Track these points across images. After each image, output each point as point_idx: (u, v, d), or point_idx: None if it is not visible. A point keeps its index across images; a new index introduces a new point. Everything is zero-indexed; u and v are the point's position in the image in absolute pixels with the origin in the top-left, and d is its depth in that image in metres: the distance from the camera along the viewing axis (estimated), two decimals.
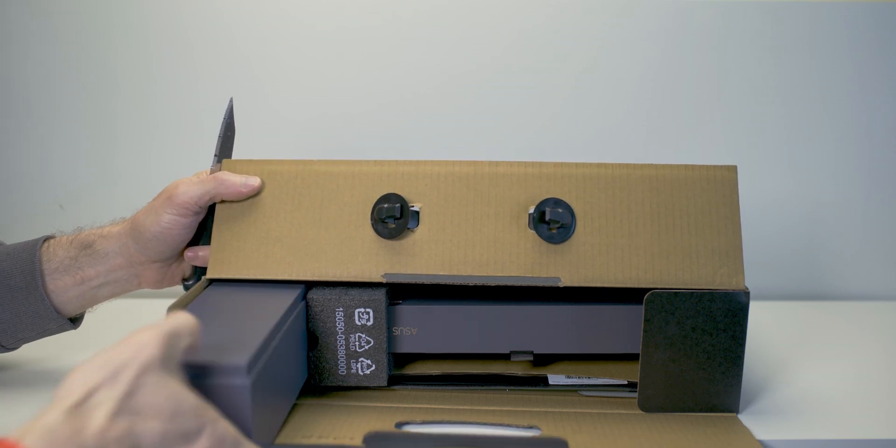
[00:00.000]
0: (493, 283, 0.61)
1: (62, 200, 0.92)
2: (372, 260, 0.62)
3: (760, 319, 0.84)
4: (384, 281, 0.62)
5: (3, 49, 0.89)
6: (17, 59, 0.89)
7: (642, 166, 0.62)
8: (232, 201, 0.64)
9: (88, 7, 0.88)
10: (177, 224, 0.63)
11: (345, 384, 0.63)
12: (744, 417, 0.59)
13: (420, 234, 0.61)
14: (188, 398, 0.40)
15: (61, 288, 0.63)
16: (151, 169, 0.92)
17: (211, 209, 0.65)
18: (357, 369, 0.62)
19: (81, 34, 0.89)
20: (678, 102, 0.90)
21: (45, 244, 0.63)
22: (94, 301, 0.65)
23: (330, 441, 0.54)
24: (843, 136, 0.91)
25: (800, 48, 0.89)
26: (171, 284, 0.68)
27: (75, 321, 0.66)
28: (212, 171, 0.66)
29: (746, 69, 0.90)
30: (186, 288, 0.68)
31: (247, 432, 0.46)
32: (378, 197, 0.62)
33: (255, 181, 0.64)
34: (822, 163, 0.92)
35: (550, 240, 0.60)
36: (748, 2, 0.88)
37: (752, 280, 0.91)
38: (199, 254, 0.66)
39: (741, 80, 0.90)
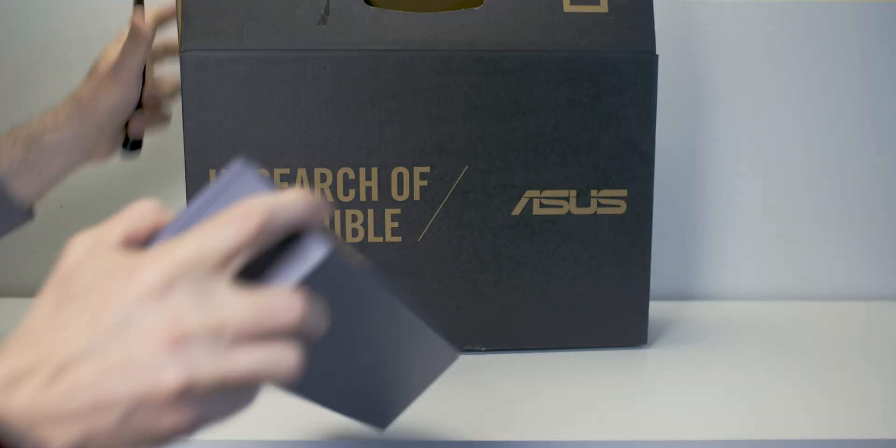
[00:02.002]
0: None
1: (62, 200, 0.92)
2: None
3: (759, 319, 0.84)
4: None
5: (2, 48, 0.89)
6: (16, 58, 0.89)
7: None
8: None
9: (88, 6, 0.88)
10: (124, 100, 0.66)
11: None
12: (742, 416, 0.59)
13: None
14: None
15: (19, 187, 0.66)
16: (151, 168, 0.92)
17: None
18: None
19: (81, 33, 0.88)
20: (681, 103, 0.90)
21: None
22: (49, 187, 0.70)
23: None
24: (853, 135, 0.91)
25: (807, 49, 0.89)
26: (110, 154, 0.73)
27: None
28: (131, 20, 0.65)
29: (752, 69, 0.90)
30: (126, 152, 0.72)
31: None
32: None
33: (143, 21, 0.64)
34: (829, 161, 0.92)
35: None
36: (752, 2, 0.88)
37: (746, 279, 0.91)
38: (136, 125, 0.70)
39: (747, 81, 0.90)
